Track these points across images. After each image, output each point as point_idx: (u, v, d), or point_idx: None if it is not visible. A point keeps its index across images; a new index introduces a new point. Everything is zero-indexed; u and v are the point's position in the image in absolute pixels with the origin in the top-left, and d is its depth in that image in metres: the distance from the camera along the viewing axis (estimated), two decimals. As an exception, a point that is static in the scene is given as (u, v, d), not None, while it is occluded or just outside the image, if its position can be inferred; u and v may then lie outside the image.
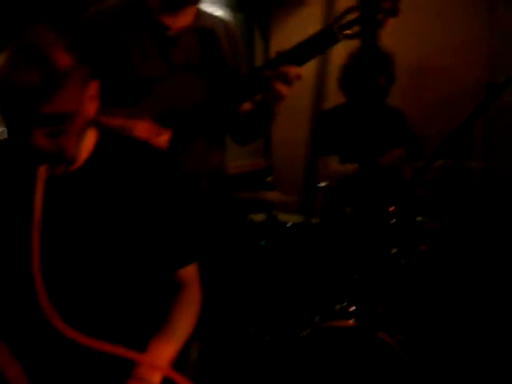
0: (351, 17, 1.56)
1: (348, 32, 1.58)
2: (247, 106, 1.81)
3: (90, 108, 1.14)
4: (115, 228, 1.20)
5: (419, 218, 2.45)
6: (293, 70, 1.61)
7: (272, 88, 1.63)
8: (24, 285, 1.10)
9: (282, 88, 1.62)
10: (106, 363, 1.12)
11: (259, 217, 2.54)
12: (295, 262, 2.49)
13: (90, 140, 1.22)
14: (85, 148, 1.20)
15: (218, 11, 3.20)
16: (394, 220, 2.30)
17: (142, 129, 1.60)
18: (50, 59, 1.02)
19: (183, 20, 1.75)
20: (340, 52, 2.66)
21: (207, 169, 1.81)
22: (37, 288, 1.03)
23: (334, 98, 2.88)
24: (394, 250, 2.28)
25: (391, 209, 2.30)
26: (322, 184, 2.50)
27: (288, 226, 2.59)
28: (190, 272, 1.30)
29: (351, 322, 2.12)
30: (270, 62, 1.68)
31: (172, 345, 1.19)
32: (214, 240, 1.78)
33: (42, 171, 1.09)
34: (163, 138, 1.61)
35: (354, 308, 2.20)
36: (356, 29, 1.57)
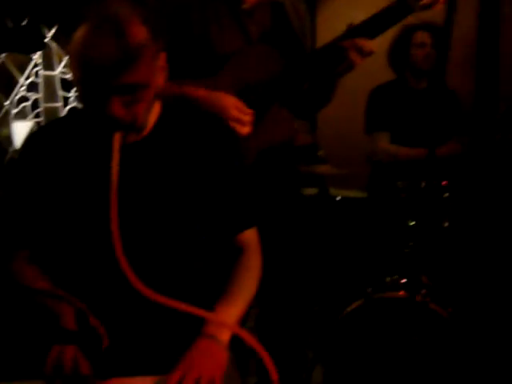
0: None
1: (424, 2, 1.58)
2: None
3: (160, 78, 1.18)
4: (181, 191, 1.26)
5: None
6: (367, 44, 1.63)
7: (347, 59, 1.65)
8: (102, 242, 1.15)
9: (356, 59, 1.64)
10: (175, 320, 1.17)
11: (311, 191, 2.57)
12: (347, 235, 2.53)
13: (155, 110, 1.27)
14: (151, 117, 1.25)
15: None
16: (447, 194, 2.30)
17: (232, 103, 1.63)
18: (128, 32, 1.07)
19: None
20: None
21: (278, 141, 1.84)
22: (114, 246, 1.07)
23: (381, 74, 2.86)
24: (446, 224, 2.29)
25: (444, 183, 2.31)
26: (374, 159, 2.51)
27: (338, 199, 2.64)
28: (250, 237, 1.35)
29: (402, 293, 2.16)
30: (344, 35, 1.69)
31: (237, 306, 1.24)
32: (275, 210, 1.83)
33: (117, 138, 1.14)
34: (249, 118, 1.64)
35: (404, 280, 2.24)
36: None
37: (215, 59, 1.72)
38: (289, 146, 1.90)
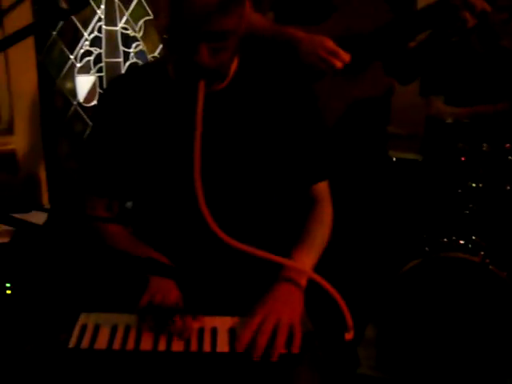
0: None
1: None
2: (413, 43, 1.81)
3: (244, 26, 1.19)
4: (261, 139, 1.28)
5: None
6: (479, 3, 1.57)
7: (458, 18, 1.60)
8: (184, 188, 1.19)
9: (469, 19, 1.59)
10: (252, 265, 1.20)
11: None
12: (405, 196, 2.52)
13: (236, 59, 1.28)
14: (232, 67, 1.27)
15: None
16: (510, 157, 2.27)
17: (322, 45, 1.63)
18: None
19: None
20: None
21: (378, 93, 1.83)
22: (196, 192, 1.09)
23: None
24: (508, 187, 2.27)
25: (507, 145, 2.27)
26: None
27: (394, 160, 2.63)
28: (323, 188, 1.39)
29: (460, 254, 2.16)
30: None
31: (312, 255, 1.28)
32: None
33: (202, 86, 1.15)
34: (339, 63, 1.64)
35: (463, 242, 2.24)
36: None
37: (322, 6, 1.72)
38: (383, 102, 1.90)
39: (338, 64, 1.63)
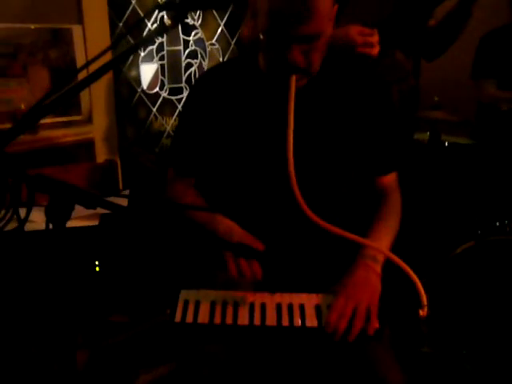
0: None
1: None
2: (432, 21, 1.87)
3: (330, 27, 1.30)
4: (343, 131, 1.40)
5: None
6: None
7: None
8: (274, 171, 1.32)
9: None
10: (334, 244, 1.33)
11: (423, 135, 2.63)
12: (457, 180, 2.59)
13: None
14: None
15: None
16: None
17: (355, 31, 1.71)
18: None
19: None
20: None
21: (398, 77, 1.92)
22: (290, 177, 1.20)
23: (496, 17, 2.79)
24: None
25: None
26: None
27: (446, 145, 2.68)
28: (393, 179, 1.50)
29: (512, 237, 2.23)
30: None
31: (387, 237, 1.38)
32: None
33: (293, 79, 1.28)
34: (375, 38, 1.71)
35: (515, 225, 2.30)
36: None
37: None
38: (407, 85, 1.97)
39: (374, 52, 1.69)
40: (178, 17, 1.05)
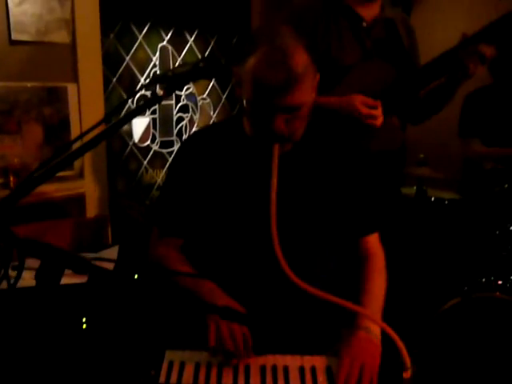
0: None
1: None
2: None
3: (313, 96, 1.34)
4: (322, 194, 1.43)
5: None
6: (488, 49, 1.73)
7: (465, 67, 1.77)
8: (258, 237, 1.34)
9: (474, 66, 1.76)
10: (319, 308, 1.33)
11: (409, 190, 2.68)
12: (443, 235, 2.62)
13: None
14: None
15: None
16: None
17: (360, 101, 1.79)
18: (294, 61, 1.22)
19: (374, 11, 1.94)
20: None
21: (391, 147, 1.99)
22: (273, 240, 1.20)
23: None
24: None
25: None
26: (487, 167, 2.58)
27: (432, 200, 2.74)
28: (375, 239, 1.52)
29: (498, 294, 2.25)
30: (461, 44, 1.78)
31: (377, 303, 1.39)
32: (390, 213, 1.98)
33: (277, 148, 1.30)
34: (379, 111, 1.79)
35: (500, 282, 2.33)
36: None
37: (335, 72, 1.87)
38: (398, 152, 2.05)
39: (378, 123, 1.79)
40: (171, 88, 1.10)
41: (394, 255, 2.07)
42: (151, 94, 1.09)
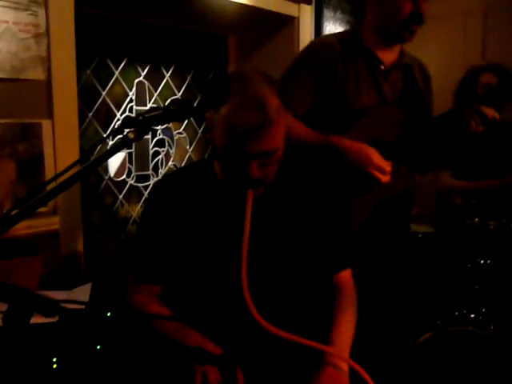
0: None
1: None
2: None
3: (284, 139, 1.36)
4: (296, 237, 1.46)
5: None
6: (491, 113, 1.77)
7: (468, 126, 1.81)
8: (229, 282, 1.34)
9: (477, 127, 1.80)
10: (290, 349, 1.35)
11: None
12: (417, 269, 2.65)
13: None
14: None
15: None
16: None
17: (370, 161, 1.79)
18: (268, 108, 1.24)
19: (392, 56, 1.98)
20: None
21: (396, 192, 1.99)
22: (243, 286, 1.23)
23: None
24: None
25: (513, 224, 2.42)
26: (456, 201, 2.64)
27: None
28: (347, 275, 1.54)
29: (471, 327, 2.28)
30: (468, 103, 1.83)
31: (346, 339, 1.41)
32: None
33: (251, 193, 1.32)
34: (389, 168, 1.81)
35: (473, 315, 2.36)
36: None
37: (351, 113, 1.89)
38: (406, 197, 2.07)
39: (384, 179, 1.80)
40: (141, 132, 1.11)
41: (369, 289, 2.10)
42: (122, 138, 1.10)
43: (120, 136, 2.91)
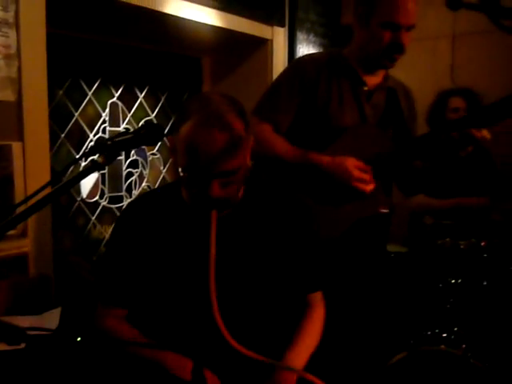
0: None
1: None
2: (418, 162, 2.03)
3: (248, 158, 1.37)
4: (264, 258, 1.45)
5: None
6: (479, 134, 1.79)
7: (456, 145, 1.83)
8: (198, 303, 1.34)
9: (461, 148, 1.88)
10: (263, 371, 1.35)
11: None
12: (389, 289, 2.67)
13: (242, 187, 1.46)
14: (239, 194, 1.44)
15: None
16: (486, 254, 2.45)
17: (352, 164, 1.82)
18: (229, 127, 1.25)
19: (377, 78, 2.01)
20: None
21: (372, 212, 2.01)
22: (212, 305, 1.22)
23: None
24: (485, 282, 2.44)
25: (483, 243, 2.46)
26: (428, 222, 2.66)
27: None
28: (316, 295, 1.55)
29: (443, 347, 2.30)
30: (446, 127, 1.87)
31: (304, 355, 1.42)
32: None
33: (214, 215, 1.32)
34: (369, 176, 1.83)
35: (445, 335, 2.38)
36: None
37: (331, 131, 1.92)
38: (382, 219, 2.07)
39: (368, 189, 1.82)
40: (111, 156, 1.11)
41: (342, 309, 2.10)
42: (91, 162, 1.10)
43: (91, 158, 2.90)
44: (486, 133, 1.80)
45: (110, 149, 1.08)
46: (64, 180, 1.17)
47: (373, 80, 2.00)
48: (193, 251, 1.40)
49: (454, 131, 1.82)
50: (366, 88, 1.98)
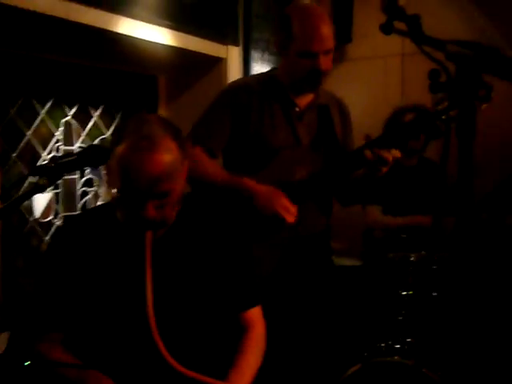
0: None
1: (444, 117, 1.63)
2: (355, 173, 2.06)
3: (183, 180, 1.39)
4: (200, 278, 1.46)
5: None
6: (387, 155, 1.82)
7: (372, 166, 1.87)
8: (136, 324, 1.34)
9: (379, 167, 1.86)
10: None
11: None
12: (342, 302, 2.71)
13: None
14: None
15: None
16: (435, 266, 2.53)
17: (278, 201, 1.85)
18: (162, 149, 1.28)
19: (308, 98, 2.04)
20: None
21: (313, 231, 2.06)
22: (151, 326, 1.24)
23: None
24: (435, 294, 2.51)
25: (435, 256, 2.53)
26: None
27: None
28: (255, 313, 1.56)
29: (397, 358, 2.35)
30: (368, 144, 1.87)
31: (247, 377, 1.42)
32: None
33: (149, 236, 1.34)
34: (294, 209, 1.87)
35: (398, 346, 2.43)
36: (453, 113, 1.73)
37: (265, 152, 1.96)
38: (322, 238, 2.14)
39: (290, 219, 1.85)
40: (54, 178, 1.11)
41: (293, 323, 2.13)
42: (34, 184, 1.10)
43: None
44: (395, 152, 1.84)
45: (52, 171, 1.09)
46: (9, 200, 1.16)
47: (304, 100, 2.04)
48: (128, 272, 1.40)
49: (371, 148, 1.84)
50: (297, 109, 2.03)
